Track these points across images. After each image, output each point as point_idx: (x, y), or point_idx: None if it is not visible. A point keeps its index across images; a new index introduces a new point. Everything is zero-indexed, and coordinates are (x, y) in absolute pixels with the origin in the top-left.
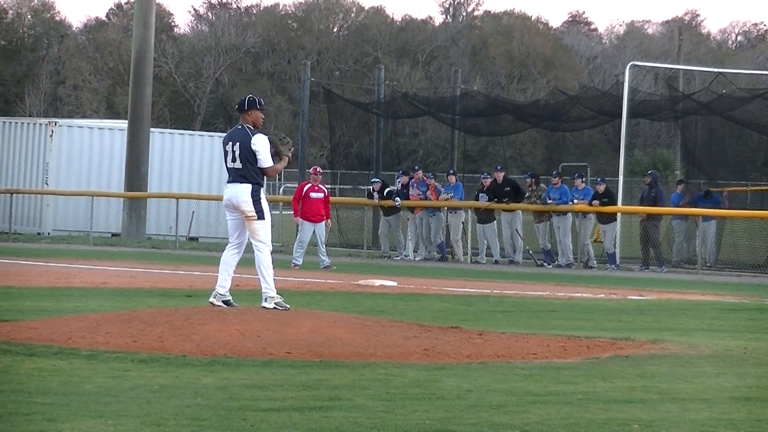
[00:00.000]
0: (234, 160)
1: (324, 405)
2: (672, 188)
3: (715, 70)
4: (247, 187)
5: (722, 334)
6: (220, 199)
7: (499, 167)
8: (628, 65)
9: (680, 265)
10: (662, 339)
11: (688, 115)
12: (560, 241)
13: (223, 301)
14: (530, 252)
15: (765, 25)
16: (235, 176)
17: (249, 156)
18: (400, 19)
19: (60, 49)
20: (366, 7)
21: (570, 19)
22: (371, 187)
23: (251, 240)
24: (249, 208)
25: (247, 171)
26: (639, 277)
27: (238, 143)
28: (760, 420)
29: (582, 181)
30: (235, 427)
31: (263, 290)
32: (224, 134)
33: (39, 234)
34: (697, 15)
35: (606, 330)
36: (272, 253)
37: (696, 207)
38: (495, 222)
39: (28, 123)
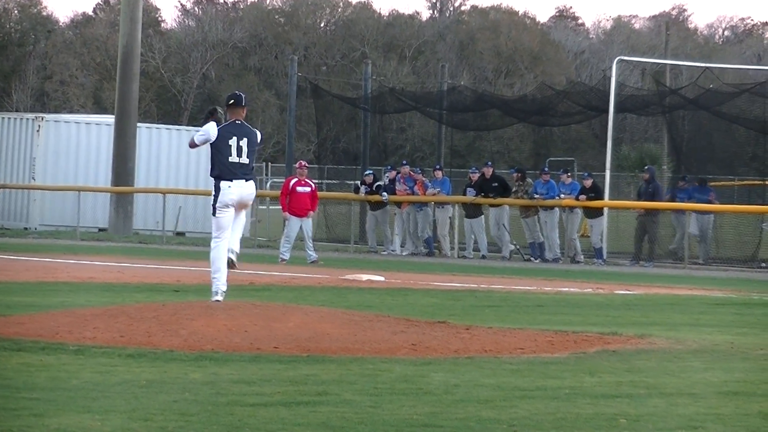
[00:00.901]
0: (240, 155)
1: (311, 400)
2: (666, 183)
3: (702, 65)
4: (254, 183)
5: (709, 329)
6: (207, 194)
7: (488, 162)
8: (616, 60)
9: (669, 259)
10: (649, 334)
11: (676, 110)
12: (547, 236)
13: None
14: (517, 247)
15: (752, 20)
16: (246, 171)
17: (253, 151)
18: (387, 14)
19: (47, 45)
20: (353, 2)
21: (557, 14)
22: (362, 179)
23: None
24: (252, 201)
25: (252, 166)
26: (626, 271)
27: (246, 139)
28: (747, 414)
29: (568, 176)
30: (222, 422)
31: (223, 284)
32: None
33: (26, 229)
34: (684, 10)
35: (593, 325)
36: (259, 247)
37: (692, 198)
38: (483, 217)
39: (15, 118)
